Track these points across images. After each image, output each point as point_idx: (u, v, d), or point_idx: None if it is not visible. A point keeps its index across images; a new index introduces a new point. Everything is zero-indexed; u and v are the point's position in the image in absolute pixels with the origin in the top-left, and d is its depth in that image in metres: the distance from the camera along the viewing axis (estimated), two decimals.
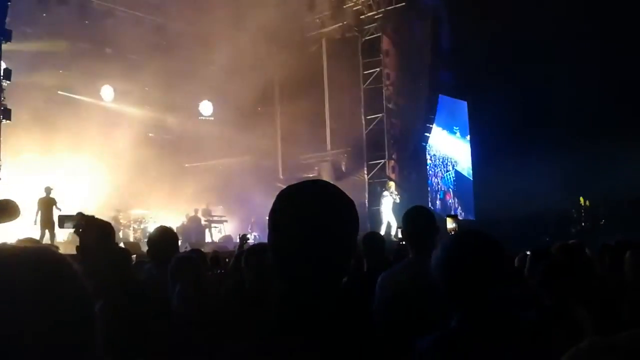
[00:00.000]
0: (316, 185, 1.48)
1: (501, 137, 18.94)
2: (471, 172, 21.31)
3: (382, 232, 15.07)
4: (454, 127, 21.06)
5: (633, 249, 3.95)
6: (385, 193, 16.77)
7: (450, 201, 20.63)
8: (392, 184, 17.08)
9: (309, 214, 1.40)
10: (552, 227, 18.08)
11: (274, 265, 1.42)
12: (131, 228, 17.29)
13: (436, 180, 20.25)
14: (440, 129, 20.27)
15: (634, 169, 16.21)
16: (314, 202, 1.42)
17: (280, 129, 21.05)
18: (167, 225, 4.39)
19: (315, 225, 1.39)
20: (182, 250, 4.14)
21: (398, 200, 16.48)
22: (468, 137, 21.32)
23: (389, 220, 16.31)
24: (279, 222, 1.43)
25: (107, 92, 18.79)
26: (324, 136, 20.09)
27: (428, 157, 19.88)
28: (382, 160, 18.93)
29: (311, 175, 19.42)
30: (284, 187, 1.47)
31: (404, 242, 3.90)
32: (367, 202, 18.28)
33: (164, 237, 3.86)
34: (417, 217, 3.33)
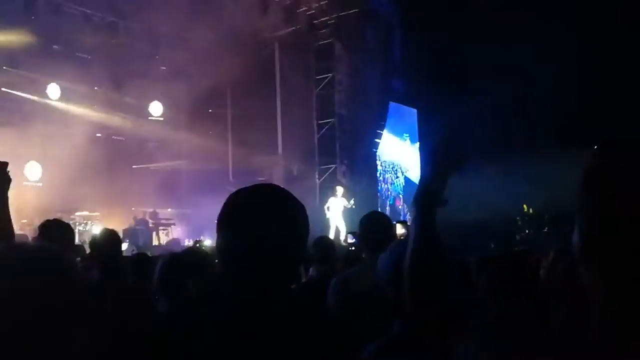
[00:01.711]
0: (265, 188, 1.50)
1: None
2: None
3: (331, 237, 14.71)
4: (404, 134, 21.17)
5: (559, 255, 4.10)
6: (332, 199, 16.61)
7: (399, 207, 20.54)
8: (339, 189, 16.87)
9: (258, 217, 1.40)
10: (498, 234, 17.95)
11: (221, 270, 1.43)
12: (76, 230, 16.91)
13: (386, 186, 20.22)
14: (391, 135, 20.31)
15: (575, 178, 16.42)
16: (263, 206, 1.43)
17: (232, 131, 20.80)
18: (113, 227, 4.27)
19: (263, 228, 1.39)
20: (128, 253, 4.04)
21: (350, 205, 16.33)
22: (417, 145, 21.39)
23: (337, 225, 16.19)
24: (226, 226, 1.44)
25: (53, 90, 18.27)
26: (275, 140, 20.01)
27: (378, 162, 19.88)
28: (334, 165, 19.00)
29: (262, 179, 18.45)
30: (234, 190, 1.49)
31: (353, 248, 3.86)
32: (317, 207, 17.75)
33: (108, 240, 3.80)
34: (376, 222, 3.37)
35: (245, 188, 1.51)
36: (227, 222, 1.45)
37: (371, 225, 3.37)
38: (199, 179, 18.91)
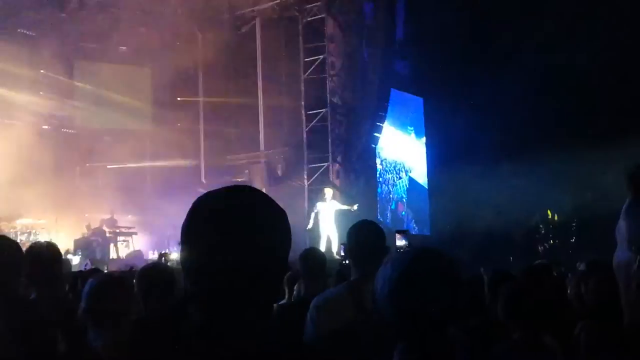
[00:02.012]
0: (240, 191, 1.49)
1: (461, 141, 19.14)
2: (427, 179, 21.45)
3: (322, 248, 14.83)
4: (409, 127, 21.12)
5: (598, 275, 4.18)
6: (320, 203, 16.45)
7: (402, 213, 20.69)
8: (328, 191, 16.68)
9: (229, 226, 1.40)
10: (517, 245, 18.51)
11: (187, 290, 1.42)
12: (18, 240, 16.79)
13: (387, 188, 20.29)
14: (392, 128, 20.27)
15: (609, 180, 16.04)
16: (236, 212, 1.42)
17: (204, 123, 20.77)
18: (62, 238, 4.21)
19: (236, 240, 1.38)
20: (81, 268, 4.00)
21: (352, 208, 16.18)
22: (424, 139, 21.53)
23: (329, 234, 16.06)
24: (192, 237, 1.43)
25: None
26: (256, 134, 19.99)
27: (378, 161, 19.86)
28: (325, 164, 18.90)
29: (240, 180, 19.30)
30: (209, 191, 1.49)
31: (347, 262, 3.86)
32: (305, 212, 17.98)
33: (45, 255, 3.72)
34: (364, 233, 3.35)
35: (216, 191, 1.50)
36: (192, 232, 1.44)
37: (357, 236, 3.36)
38: (166, 179, 19.06)
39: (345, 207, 15.93)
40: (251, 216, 1.44)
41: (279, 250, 1.47)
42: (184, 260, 1.44)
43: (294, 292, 5.44)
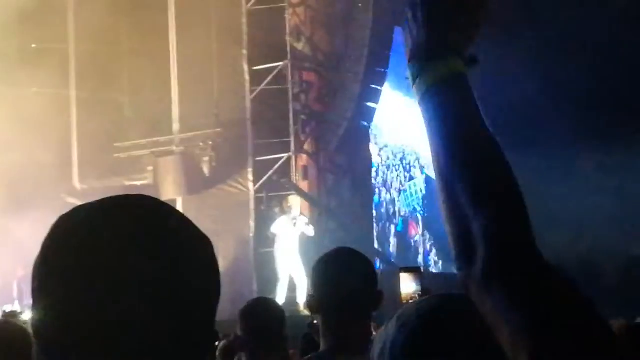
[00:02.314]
0: (131, 206, 1.33)
1: (517, 113, 17.91)
2: None
3: (281, 298, 14.76)
4: None
5: None
6: (282, 220, 15.91)
7: (416, 237, 19.84)
8: (293, 200, 16.44)
9: (108, 266, 1.23)
10: (608, 287, 16.91)
11: None
12: None
13: (389, 196, 19.67)
14: (399, 94, 19.06)
15: None
16: (123, 244, 1.25)
17: (77, 89, 18.81)
18: None
19: (123, 292, 1.23)
20: None
21: (311, 231, 15.77)
22: None
23: (291, 272, 15.76)
24: (49, 287, 1.27)
25: None
26: (167, 107, 18.40)
27: (374, 149, 19.15)
28: (284, 155, 17.81)
29: (139, 184, 18.42)
30: (73, 210, 1.31)
31: (317, 322, 4.14)
32: (252, 237, 17.38)
33: None
34: (339, 271, 3.11)
35: (91, 206, 1.30)
36: (48, 278, 1.25)
37: (328, 277, 3.08)
38: (17, 184, 17.66)
39: (309, 230, 15.96)
40: (150, 250, 1.25)
41: (200, 306, 1.29)
42: (36, 326, 1.27)
43: None
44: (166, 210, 1.32)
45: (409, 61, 1.53)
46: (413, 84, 1.55)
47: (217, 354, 5.70)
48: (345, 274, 3.00)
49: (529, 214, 1.41)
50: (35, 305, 1.26)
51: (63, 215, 1.28)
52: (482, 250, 1.37)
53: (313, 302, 3.09)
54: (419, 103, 1.53)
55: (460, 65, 1.50)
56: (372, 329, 3.19)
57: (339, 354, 2.93)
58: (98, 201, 1.29)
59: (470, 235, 1.41)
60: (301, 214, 16.31)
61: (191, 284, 1.26)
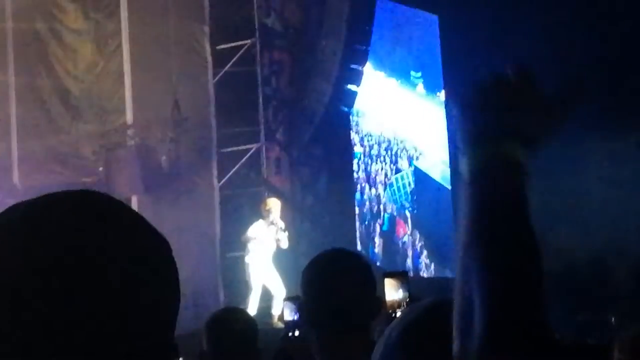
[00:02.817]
0: (77, 205, 1.26)
1: None
2: (450, 172, 19.89)
3: (253, 309, 14.36)
4: (413, 73, 19.80)
5: None
6: (259, 224, 15.14)
7: (404, 238, 19.18)
8: (274, 204, 15.44)
9: (55, 274, 1.17)
10: (621, 291, 17.06)
11: None
12: None
13: (373, 191, 19.05)
14: (382, 74, 18.72)
15: None
16: (67, 246, 1.19)
17: (16, 76, 17.57)
18: None
19: (65, 303, 1.17)
20: None
21: (285, 243, 15.13)
22: (442, 94, 19.81)
23: (265, 282, 15.30)
24: None
25: None
26: (117, 91, 17.60)
27: (355, 138, 18.67)
28: (253, 145, 17.41)
29: (88, 180, 17.23)
30: (19, 205, 1.26)
31: (297, 334, 4.35)
32: (217, 241, 16.89)
33: None
34: (335, 276, 3.08)
35: (32, 203, 1.25)
36: None
37: (322, 282, 3.10)
38: None
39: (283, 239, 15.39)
40: (97, 254, 1.19)
41: (154, 317, 1.22)
42: None
43: None
44: (115, 207, 1.27)
45: (461, 137, 1.64)
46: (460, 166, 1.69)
47: None
48: (342, 279, 2.97)
49: (543, 299, 1.47)
50: None
51: (1, 212, 1.27)
52: (479, 326, 1.46)
53: (303, 310, 3.10)
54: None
55: (513, 150, 1.55)
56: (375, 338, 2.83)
57: None
58: (34, 199, 1.26)
59: (472, 310, 1.50)
60: (281, 217, 15.56)
61: (143, 292, 1.20)
